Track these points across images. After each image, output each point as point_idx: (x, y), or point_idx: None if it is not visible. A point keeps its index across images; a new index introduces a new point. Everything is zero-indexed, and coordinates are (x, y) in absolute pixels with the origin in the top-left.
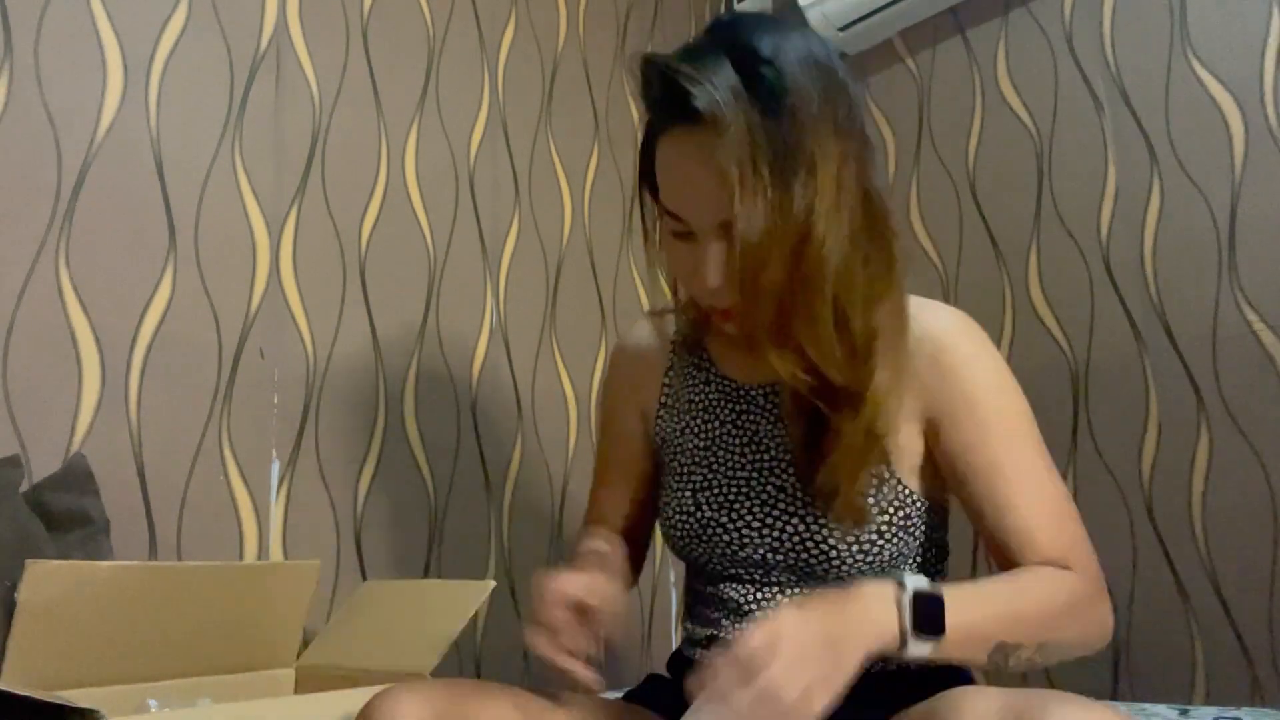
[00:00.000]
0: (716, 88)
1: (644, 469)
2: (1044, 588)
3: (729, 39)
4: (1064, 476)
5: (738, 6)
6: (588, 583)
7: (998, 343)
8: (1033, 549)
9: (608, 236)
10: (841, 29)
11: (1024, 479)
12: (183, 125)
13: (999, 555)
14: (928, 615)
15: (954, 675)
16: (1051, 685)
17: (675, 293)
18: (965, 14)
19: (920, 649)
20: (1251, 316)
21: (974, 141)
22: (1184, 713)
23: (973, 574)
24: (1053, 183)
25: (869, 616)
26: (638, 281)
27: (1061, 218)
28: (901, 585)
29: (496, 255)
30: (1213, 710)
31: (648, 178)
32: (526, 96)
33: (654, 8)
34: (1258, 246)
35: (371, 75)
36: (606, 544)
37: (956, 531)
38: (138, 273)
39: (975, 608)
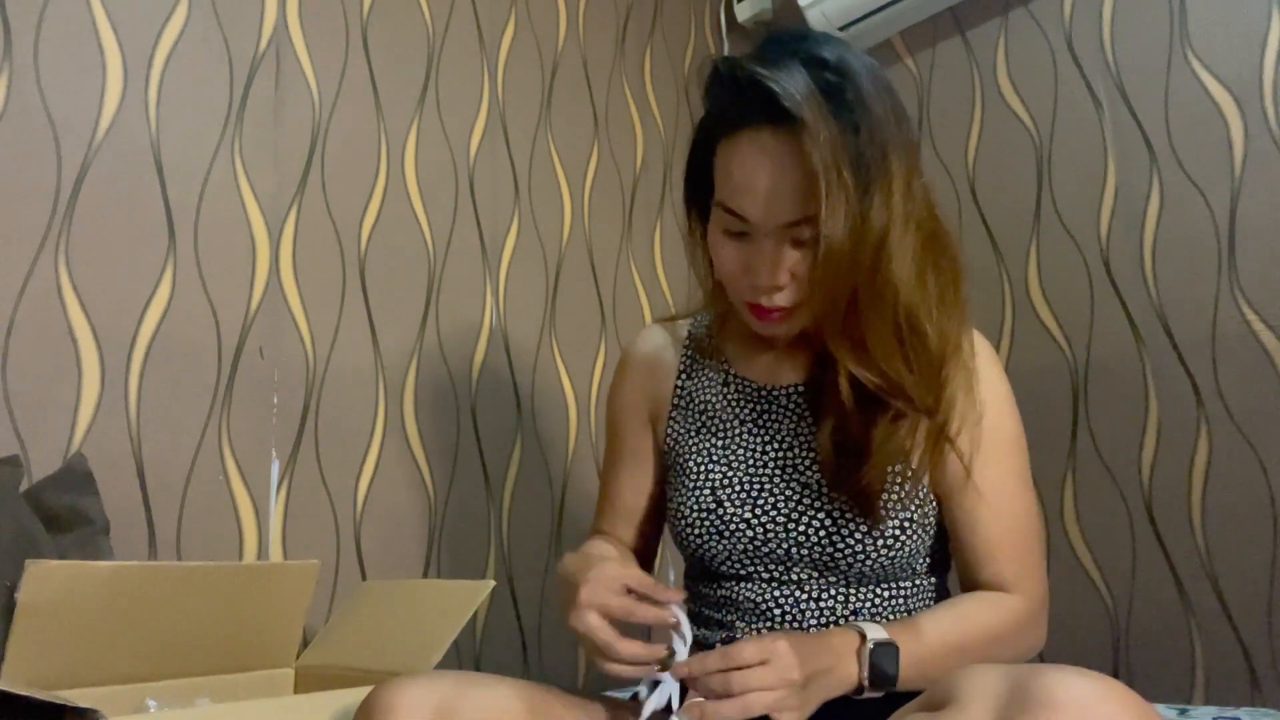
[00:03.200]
0: (800, 91)
1: (656, 475)
2: (987, 618)
3: (798, 50)
4: (1064, 476)
5: (737, 7)
6: (640, 574)
7: (997, 343)
8: (989, 565)
9: (608, 236)
10: (841, 29)
11: (999, 497)
12: (182, 125)
13: (959, 562)
14: (885, 668)
15: None
16: None
17: (715, 291)
18: (965, 14)
19: (873, 692)
20: (1251, 316)
21: (974, 141)
22: (1183, 712)
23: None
24: (1053, 183)
25: (838, 669)
26: (638, 281)
27: (1061, 218)
28: (863, 637)
29: (496, 255)
30: (1212, 710)
31: (696, 177)
32: (526, 96)
33: (654, 8)
34: (1258, 246)
35: (371, 75)
36: (612, 549)
37: None
38: (137, 273)
39: (925, 649)
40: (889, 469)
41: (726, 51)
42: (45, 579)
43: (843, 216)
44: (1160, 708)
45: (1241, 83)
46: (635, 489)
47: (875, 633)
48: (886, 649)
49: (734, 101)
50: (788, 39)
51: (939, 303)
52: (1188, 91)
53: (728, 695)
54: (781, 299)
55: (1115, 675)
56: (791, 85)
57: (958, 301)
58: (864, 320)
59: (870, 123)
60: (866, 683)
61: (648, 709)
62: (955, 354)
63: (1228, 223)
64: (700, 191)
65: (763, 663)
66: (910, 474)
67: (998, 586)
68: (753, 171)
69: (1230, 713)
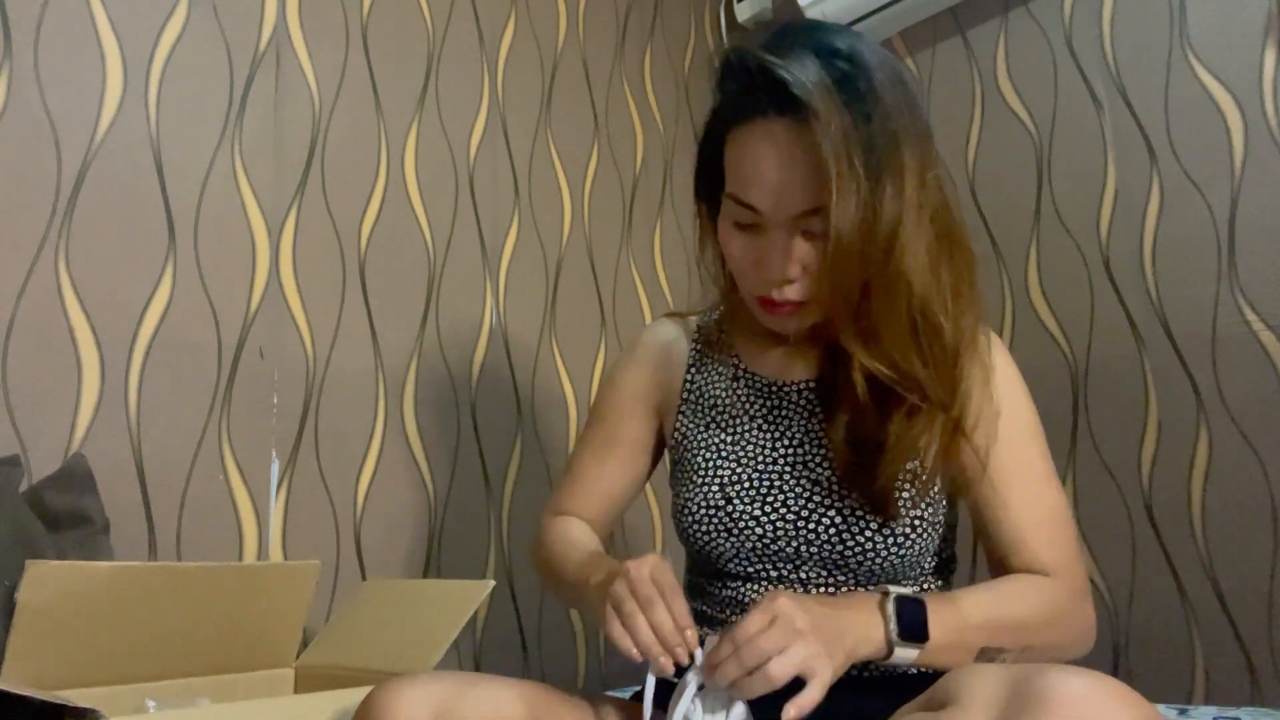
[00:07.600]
0: (811, 80)
1: (641, 469)
2: (1026, 596)
3: (811, 40)
4: (1064, 476)
5: (737, 7)
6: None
7: None
8: (1024, 551)
9: (608, 236)
10: None
11: (1026, 484)
12: (182, 125)
13: (991, 555)
14: (912, 622)
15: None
16: None
17: (725, 286)
18: (965, 14)
19: (906, 654)
20: (1251, 316)
21: (974, 141)
22: (1183, 712)
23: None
24: (1052, 183)
25: (859, 621)
26: (638, 281)
27: (1061, 218)
28: (886, 593)
29: (496, 255)
30: (1212, 710)
31: (707, 168)
32: (526, 96)
33: (654, 8)
34: (1258, 246)
35: (371, 75)
36: (595, 540)
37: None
38: (138, 273)
39: (959, 615)
40: (904, 465)
41: None
42: (45, 579)
43: (854, 207)
44: (1160, 708)
45: (1241, 83)
46: (616, 477)
47: (900, 589)
48: (911, 603)
49: (745, 91)
50: (800, 29)
51: (954, 295)
52: (1188, 91)
53: (746, 674)
54: (792, 292)
55: (1115, 675)
56: (803, 74)
57: (972, 295)
58: (876, 313)
59: (882, 113)
60: (895, 636)
61: (680, 710)
62: (970, 348)
63: (1228, 223)
64: (711, 185)
65: (768, 627)
66: (924, 470)
67: (1035, 573)
68: (763, 162)
69: (1230, 713)
